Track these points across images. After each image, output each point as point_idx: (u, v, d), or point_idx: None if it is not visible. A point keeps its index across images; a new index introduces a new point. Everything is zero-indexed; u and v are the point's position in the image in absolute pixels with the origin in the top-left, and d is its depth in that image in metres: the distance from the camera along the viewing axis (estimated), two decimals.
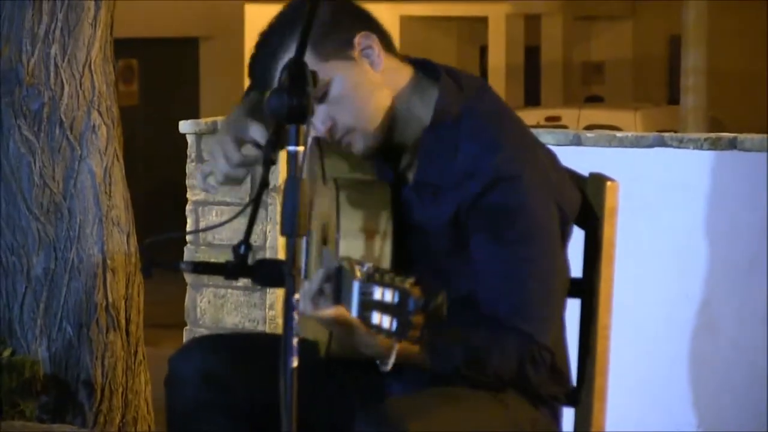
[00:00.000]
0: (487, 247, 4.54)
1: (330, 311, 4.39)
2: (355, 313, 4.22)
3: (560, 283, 4.68)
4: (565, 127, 21.20)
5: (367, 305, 4.19)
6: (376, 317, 4.17)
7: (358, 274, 4.25)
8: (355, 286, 4.23)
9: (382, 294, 4.16)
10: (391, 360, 4.45)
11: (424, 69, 4.72)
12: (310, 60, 4.41)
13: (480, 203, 4.54)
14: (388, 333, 4.16)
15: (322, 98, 4.56)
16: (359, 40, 4.65)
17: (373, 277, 4.21)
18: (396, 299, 4.14)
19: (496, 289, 4.53)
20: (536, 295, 4.58)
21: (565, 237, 4.70)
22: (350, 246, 4.47)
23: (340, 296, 4.36)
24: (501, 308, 4.55)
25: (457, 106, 4.62)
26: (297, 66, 4.17)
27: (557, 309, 4.67)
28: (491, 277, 4.54)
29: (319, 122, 4.58)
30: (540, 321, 4.57)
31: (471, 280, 4.52)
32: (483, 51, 32.74)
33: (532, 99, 31.78)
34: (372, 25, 4.69)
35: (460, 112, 4.60)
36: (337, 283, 4.37)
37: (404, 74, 4.70)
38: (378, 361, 4.48)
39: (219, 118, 9.33)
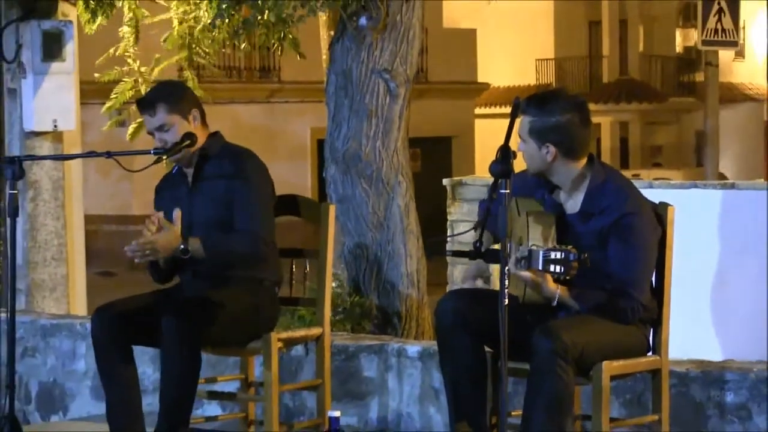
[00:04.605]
0: (618, 247, 4.48)
1: (527, 273, 4.35)
2: (541, 267, 4.30)
3: (652, 269, 4.62)
4: (642, 178, 20.93)
5: (547, 261, 4.29)
6: (552, 267, 4.29)
7: (543, 246, 4.37)
8: (541, 252, 4.31)
9: (555, 254, 4.28)
10: (557, 299, 4.47)
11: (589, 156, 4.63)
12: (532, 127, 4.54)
13: (616, 224, 4.48)
14: (558, 274, 4.30)
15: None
16: (546, 148, 4.54)
17: (550, 248, 4.32)
18: (563, 255, 4.28)
19: (621, 270, 4.48)
20: (641, 276, 4.55)
21: (657, 244, 4.62)
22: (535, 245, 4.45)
23: (530, 265, 4.34)
24: (622, 280, 4.49)
25: (603, 175, 4.55)
26: (506, 150, 4.12)
27: (649, 282, 4.61)
28: (618, 263, 4.48)
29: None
30: (641, 289, 4.55)
31: (604, 264, 4.44)
32: (598, 141, 32.37)
33: (625, 164, 31.38)
34: (561, 139, 4.54)
35: (605, 177, 4.53)
36: (529, 259, 4.33)
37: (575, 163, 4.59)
38: (551, 300, 4.46)
39: (463, 177, 9.32)
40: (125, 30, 8.54)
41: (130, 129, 8.55)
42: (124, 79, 8.55)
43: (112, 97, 8.58)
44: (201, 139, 5.09)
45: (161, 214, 4.93)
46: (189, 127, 5.05)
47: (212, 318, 4.85)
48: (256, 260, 5.03)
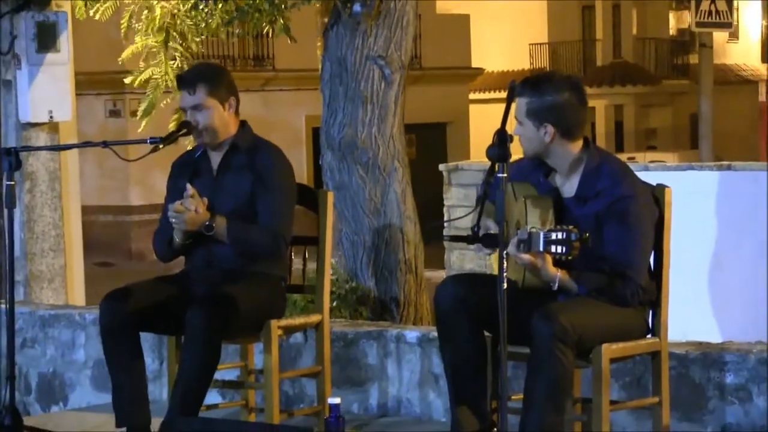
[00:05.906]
0: (615, 229, 4.47)
1: (527, 256, 4.33)
2: (542, 248, 4.25)
3: (650, 251, 4.61)
4: (637, 162, 20.92)
5: (549, 242, 4.24)
6: (554, 248, 4.23)
7: (543, 228, 4.32)
8: (542, 234, 4.26)
9: (557, 235, 4.23)
10: (557, 283, 4.42)
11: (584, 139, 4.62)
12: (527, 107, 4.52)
13: (613, 207, 4.48)
14: (561, 254, 4.25)
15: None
16: (544, 128, 4.53)
17: (551, 229, 4.27)
18: (564, 236, 4.22)
19: (618, 252, 4.46)
20: (639, 258, 4.54)
21: (655, 225, 4.60)
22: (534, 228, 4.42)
23: (530, 248, 4.30)
24: (620, 263, 4.48)
25: (598, 158, 4.54)
26: (502, 133, 4.09)
27: (647, 264, 4.60)
28: (616, 247, 4.47)
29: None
30: (640, 272, 4.53)
31: (601, 248, 4.44)
32: (593, 125, 32.33)
33: (620, 148, 31.35)
34: (558, 118, 4.52)
35: (600, 161, 4.52)
36: (529, 242, 4.29)
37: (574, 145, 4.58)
38: (551, 284, 4.41)
39: (458, 162, 9.28)
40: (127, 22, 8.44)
41: (172, 122, 8.36)
42: (153, 76, 8.36)
43: (146, 96, 8.34)
44: (232, 128, 5.09)
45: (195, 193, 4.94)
46: (223, 113, 5.03)
47: (234, 312, 4.85)
48: (272, 258, 5.05)
